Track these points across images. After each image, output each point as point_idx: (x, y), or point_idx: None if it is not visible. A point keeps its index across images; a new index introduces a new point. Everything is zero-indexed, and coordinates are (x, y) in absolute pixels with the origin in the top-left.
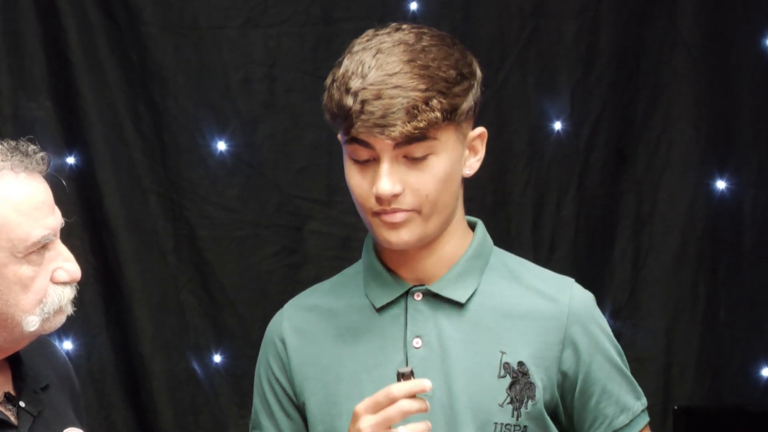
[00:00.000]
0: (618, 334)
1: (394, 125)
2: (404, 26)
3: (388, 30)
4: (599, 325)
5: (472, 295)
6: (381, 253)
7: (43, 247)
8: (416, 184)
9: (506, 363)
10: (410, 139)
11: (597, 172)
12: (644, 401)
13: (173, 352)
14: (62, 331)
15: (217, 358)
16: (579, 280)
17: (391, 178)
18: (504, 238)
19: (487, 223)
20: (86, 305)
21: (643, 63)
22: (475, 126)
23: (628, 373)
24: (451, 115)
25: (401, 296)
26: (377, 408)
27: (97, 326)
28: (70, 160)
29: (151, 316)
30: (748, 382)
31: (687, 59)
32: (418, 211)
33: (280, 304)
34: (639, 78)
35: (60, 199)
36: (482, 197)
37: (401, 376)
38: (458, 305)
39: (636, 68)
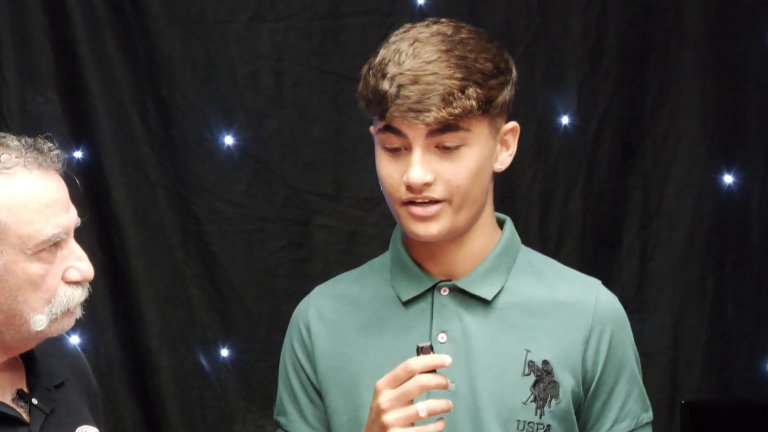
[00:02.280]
0: None
1: (428, 110)
2: (443, 20)
3: (426, 23)
4: (623, 329)
5: (498, 293)
6: (409, 246)
7: (54, 245)
8: (447, 174)
9: (531, 361)
10: (444, 128)
11: (604, 167)
12: (651, 415)
13: (180, 347)
14: None
15: (224, 353)
16: (586, 275)
17: (423, 167)
18: None
19: None
20: (93, 299)
21: (650, 58)
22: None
23: (641, 382)
24: (485, 107)
25: (428, 291)
26: (396, 382)
27: (104, 320)
28: (78, 154)
29: (159, 310)
30: (756, 377)
31: (694, 54)
32: (449, 202)
33: (287, 299)
34: (646, 73)
35: (72, 198)
36: None
37: (420, 350)
38: (484, 302)
39: (643, 63)
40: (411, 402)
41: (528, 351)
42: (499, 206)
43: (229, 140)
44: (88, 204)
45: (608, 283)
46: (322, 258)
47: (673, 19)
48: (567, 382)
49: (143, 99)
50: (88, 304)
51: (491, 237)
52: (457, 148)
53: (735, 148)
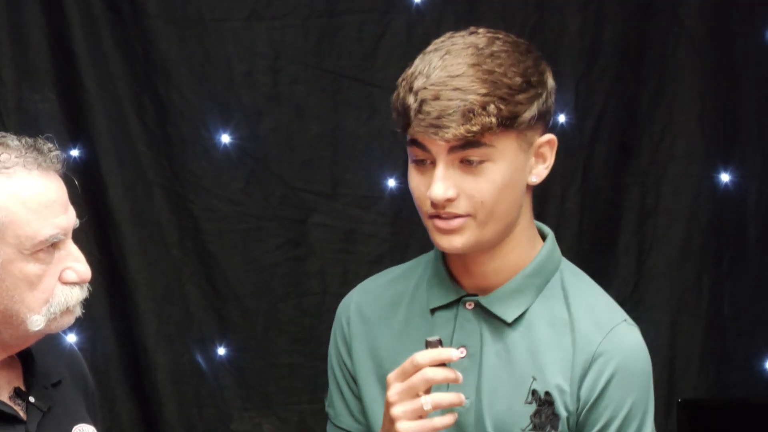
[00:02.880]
0: None
1: (448, 127)
2: (480, 30)
3: (464, 33)
4: (631, 372)
5: (520, 316)
6: (445, 254)
7: (52, 246)
8: (471, 190)
9: (534, 390)
10: (465, 144)
11: (601, 165)
12: None
13: (177, 345)
14: None
15: (221, 351)
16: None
17: (445, 183)
18: None
19: None
20: (90, 298)
21: (647, 56)
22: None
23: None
24: (509, 122)
25: (454, 302)
26: (404, 376)
27: (101, 319)
28: (75, 152)
29: (155, 308)
30: (752, 375)
31: (691, 52)
32: (473, 217)
33: (284, 297)
34: (643, 71)
35: (71, 198)
36: None
37: (428, 344)
38: (505, 323)
39: (640, 61)
40: (418, 395)
41: (534, 379)
42: None
43: (226, 138)
44: (84, 202)
45: (605, 281)
46: (319, 256)
47: (670, 17)
48: (565, 416)
49: (140, 97)
50: (85, 302)
51: (527, 252)
52: (480, 163)
53: (732, 146)
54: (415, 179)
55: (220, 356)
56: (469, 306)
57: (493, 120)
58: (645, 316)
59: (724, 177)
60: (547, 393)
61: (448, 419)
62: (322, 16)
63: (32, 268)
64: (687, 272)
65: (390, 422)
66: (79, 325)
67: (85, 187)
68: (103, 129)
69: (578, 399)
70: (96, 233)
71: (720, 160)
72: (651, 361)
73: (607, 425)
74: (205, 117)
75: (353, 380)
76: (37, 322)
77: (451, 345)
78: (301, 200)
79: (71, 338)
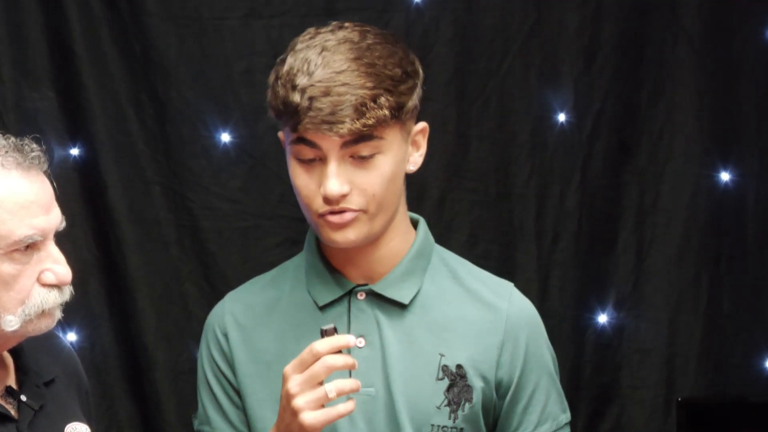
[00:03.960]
0: (621, 326)
1: (342, 122)
2: (346, 24)
3: (330, 28)
4: (537, 330)
5: (414, 296)
6: (324, 250)
7: (29, 247)
8: (363, 183)
9: (444, 365)
10: (358, 138)
11: (600, 163)
12: (569, 416)
13: (176, 343)
14: (66, 323)
15: None
16: (582, 272)
17: (339, 179)
18: (507, 230)
19: (489, 215)
20: (89, 296)
21: (645, 54)
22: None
23: (558, 382)
24: (397, 113)
25: (344, 295)
26: (303, 366)
27: (99, 317)
28: (73, 151)
29: (154, 306)
30: (751, 374)
31: (689, 50)
32: (364, 211)
33: None
34: (642, 69)
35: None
36: (485, 188)
37: (324, 333)
38: (401, 306)
39: (639, 59)
40: (320, 384)
41: (442, 355)
42: (494, 203)
43: (224, 137)
44: (83, 200)
45: (604, 280)
46: None
47: (669, 15)
48: (479, 385)
49: (139, 95)
50: (83, 301)
51: (405, 238)
52: (371, 156)
53: (731, 145)
54: (301, 178)
55: None
56: (361, 296)
57: (386, 112)
58: (644, 314)
59: (723, 176)
60: (458, 366)
61: (350, 405)
62: (320, 15)
63: (7, 267)
64: (686, 271)
65: (292, 414)
66: (78, 323)
67: (84, 185)
68: (102, 127)
69: (499, 366)
70: (94, 231)
71: (719, 159)
72: None
73: (537, 384)
74: (203, 115)
75: (234, 390)
76: (11, 323)
77: None
78: None
79: (71, 337)
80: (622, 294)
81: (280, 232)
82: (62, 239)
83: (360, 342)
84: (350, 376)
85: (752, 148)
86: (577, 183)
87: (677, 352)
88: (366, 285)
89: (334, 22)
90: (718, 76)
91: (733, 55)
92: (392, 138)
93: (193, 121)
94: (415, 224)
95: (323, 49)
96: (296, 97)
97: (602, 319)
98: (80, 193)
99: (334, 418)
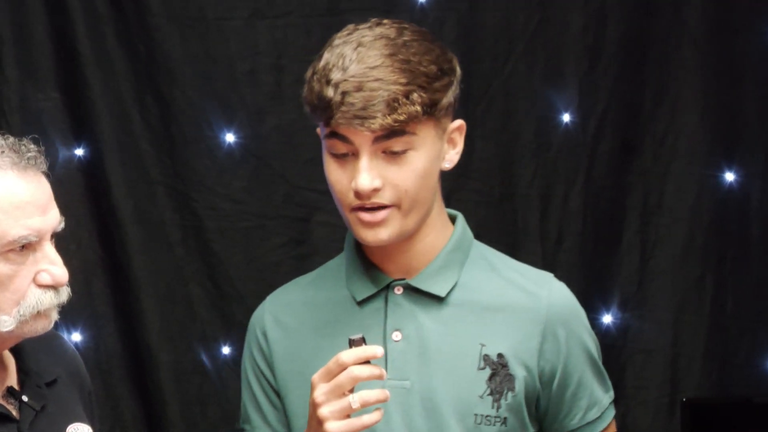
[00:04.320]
0: (625, 326)
1: (374, 117)
2: (385, 21)
3: (368, 24)
4: (578, 317)
5: (451, 289)
6: (362, 247)
7: (25, 247)
8: (395, 179)
9: (486, 355)
10: (390, 133)
11: (604, 164)
12: (612, 394)
13: (180, 344)
14: (70, 323)
15: (225, 350)
16: (586, 272)
17: (371, 173)
18: (511, 230)
19: (493, 215)
20: (94, 297)
21: (649, 54)
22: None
23: (601, 365)
24: (430, 110)
25: (382, 290)
26: (330, 376)
27: (104, 318)
28: (78, 151)
29: (159, 307)
30: (755, 374)
31: (693, 51)
32: (397, 207)
33: None
34: (646, 69)
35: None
36: (489, 189)
37: (352, 343)
38: (438, 299)
39: (643, 60)
40: (345, 394)
41: (483, 345)
42: (498, 204)
43: (229, 137)
44: (87, 200)
45: (608, 280)
46: (322, 255)
47: (673, 15)
48: (521, 374)
49: (143, 96)
50: (88, 302)
51: (442, 233)
52: (404, 152)
53: (735, 145)
54: (335, 173)
55: (224, 355)
56: (398, 291)
57: (418, 108)
58: (648, 315)
59: (728, 176)
60: (499, 355)
61: (375, 416)
62: (324, 15)
63: (2, 268)
64: (690, 271)
65: (318, 423)
66: (82, 324)
67: (88, 186)
68: (106, 127)
69: (541, 354)
70: (99, 232)
71: (723, 159)
72: None
73: (583, 370)
74: (207, 115)
75: (273, 390)
76: (6, 323)
77: (384, 331)
78: (304, 199)
79: (75, 337)
80: (627, 294)
81: (284, 232)
82: (66, 239)
83: (396, 336)
84: (386, 370)
85: (756, 149)
86: (582, 183)
87: (681, 352)
88: (403, 279)
89: (374, 19)
90: (722, 77)
91: (737, 56)
92: (425, 134)
93: (197, 121)
94: (453, 220)
95: (359, 44)
96: (330, 92)
97: (606, 319)
98: (84, 193)
99: (358, 428)
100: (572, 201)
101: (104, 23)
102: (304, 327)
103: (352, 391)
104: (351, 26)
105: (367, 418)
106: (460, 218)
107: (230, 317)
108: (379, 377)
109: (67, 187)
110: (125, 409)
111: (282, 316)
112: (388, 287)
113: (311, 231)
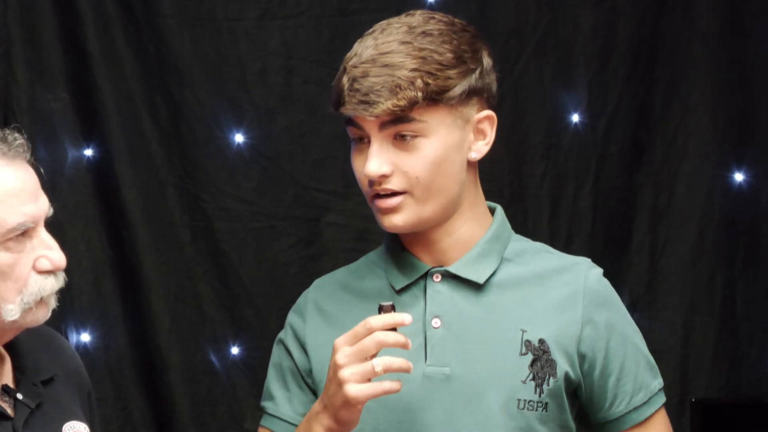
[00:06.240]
0: None
1: (376, 102)
2: (418, 12)
3: (403, 15)
4: (615, 303)
5: (490, 276)
6: (400, 236)
7: (23, 234)
8: (404, 165)
9: (527, 341)
10: (395, 119)
11: (614, 164)
12: (660, 381)
13: (190, 344)
14: (80, 323)
15: (234, 350)
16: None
17: (379, 159)
18: (520, 230)
19: None
20: (103, 297)
21: (660, 55)
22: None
23: (646, 350)
24: (438, 96)
25: (420, 278)
26: (356, 339)
27: (114, 318)
28: (88, 152)
29: (168, 307)
30: (765, 375)
31: (704, 51)
32: (410, 194)
33: (296, 296)
34: (656, 70)
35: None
36: (499, 189)
37: (382, 309)
38: (477, 285)
39: (653, 60)
40: (368, 359)
41: (524, 331)
42: (508, 203)
43: (239, 138)
44: (97, 201)
45: (618, 281)
46: (331, 255)
47: (683, 16)
48: (561, 361)
49: (153, 96)
50: (97, 302)
51: (480, 224)
52: (413, 138)
53: (745, 146)
54: (356, 161)
55: (233, 355)
56: (437, 278)
57: (419, 94)
58: (658, 315)
59: (737, 176)
60: (541, 341)
61: (396, 385)
62: (335, 15)
63: (3, 257)
64: (700, 272)
65: (337, 385)
66: (92, 324)
67: (98, 186)
68: (116, 128)
69: (580, 341)
70: (109, 232)
71: (733, 159)
72: None
73: (625, 355)
74: (217, 116)
75: (300, 373)
76: (12, 312)
77: (424, 318)
78: (313, 199)
79: (84, 337)
80: (637, 295)
81: (294, 232)
82: (76, 240)
83: (436, 322)
84: (425, 356)
85: (766, 149)
86: (591, 184)
87: (691, 353)
88: (442, 267)
89: (411, 11)
90: (732, 77)
91: (746, 56)
92: (437, 122)
93: (207, 121)
94: (493, 212)
95: (381, 32)
96: (344, 80)
97: None
98: (94, 193)
99: (379, 393)
100: (582, 201)
101: (114, 24)
102: (345, 316)
103: (374, 357)
104: (393, 18)
105: (388, 384)
106: (499, 210)
107: (240, 318)
108: (404, 345)
109: (76, 187)
110: (135, 410)
111: (324, 304)
112: (427, 275)
113: (321, 231)
